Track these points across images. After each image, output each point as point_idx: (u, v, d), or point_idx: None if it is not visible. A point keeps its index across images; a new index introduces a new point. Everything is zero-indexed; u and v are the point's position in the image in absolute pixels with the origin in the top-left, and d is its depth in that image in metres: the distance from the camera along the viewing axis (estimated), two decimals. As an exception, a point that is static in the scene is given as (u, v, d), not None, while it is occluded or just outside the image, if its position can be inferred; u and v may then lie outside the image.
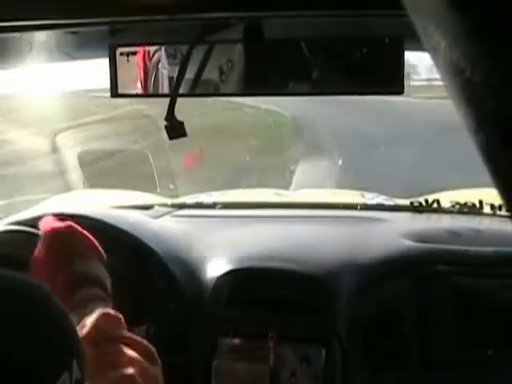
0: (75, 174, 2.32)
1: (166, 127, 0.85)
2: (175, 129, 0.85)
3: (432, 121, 7.60)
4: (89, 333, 0.72)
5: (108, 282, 0.87)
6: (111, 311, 0.77)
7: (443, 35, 0.23)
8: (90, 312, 0.75)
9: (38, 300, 0.58)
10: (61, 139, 2.98)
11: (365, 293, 1.14)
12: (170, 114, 0.84)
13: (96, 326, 0.72)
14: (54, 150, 2.93)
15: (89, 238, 0.92)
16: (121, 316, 0.76)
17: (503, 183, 0.24)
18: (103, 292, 0.84)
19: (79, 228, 0.92)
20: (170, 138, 0.86)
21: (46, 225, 0.92)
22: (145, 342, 0.74)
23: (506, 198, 0.25)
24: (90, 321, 0.73)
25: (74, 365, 0.57)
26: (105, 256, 0.91)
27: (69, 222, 0.93)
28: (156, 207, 1.53)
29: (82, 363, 0.59)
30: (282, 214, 1.51)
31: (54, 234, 0.90)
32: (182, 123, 0.85)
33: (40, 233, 0.92)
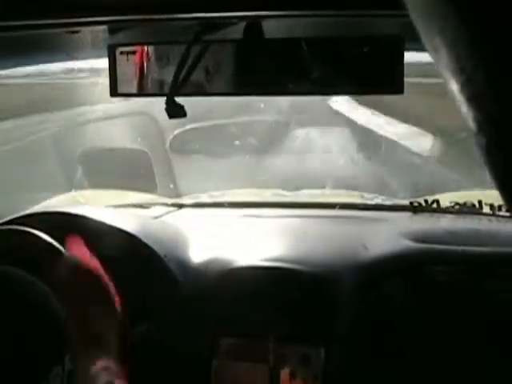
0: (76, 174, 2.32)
1: (167, 108, 0.84)
2: (175, 108, 0.85)
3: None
4: None
5: (112, 338, 0.86)
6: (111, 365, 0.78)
7: (444, 35, 0.23)
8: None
9: (32, 297, 0.58)
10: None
11: (365, 293, 1.14)
12: (171, 97, 0.84)
13: None
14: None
15: (107, 285, 0.90)
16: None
17: (504, 183, 0.24)
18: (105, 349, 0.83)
19: (102, 273, 0.90)
20: (170, 117, 0.85)
21: (75, 248, 0.90)
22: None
23: (506, 197, 0.25)
24: None
25: (67, 358, 0.58)
26: (117, 300, 0.89)
27: (93, 264, 0.90)
28: (156, 207, 1.53)
29: (74, 356, 0.59)
30: (283, 213, 1.51)
31: (76, 266, 0.88)
32: (183, 106, 0.85)
33: (65, 252, 0.91)
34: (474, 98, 0.23)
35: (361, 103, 4.59)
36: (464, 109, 0.24)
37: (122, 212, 1.46)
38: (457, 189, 1.79)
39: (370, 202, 1.58)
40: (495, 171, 0.24)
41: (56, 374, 0.56)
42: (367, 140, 3.67)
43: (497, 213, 1.35)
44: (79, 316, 0.79)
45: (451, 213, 1.41)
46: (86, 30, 0.82)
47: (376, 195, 1.70)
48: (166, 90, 0.86)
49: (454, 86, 0.24)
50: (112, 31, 0.84)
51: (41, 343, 0.57)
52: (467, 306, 1.12)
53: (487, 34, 0.22)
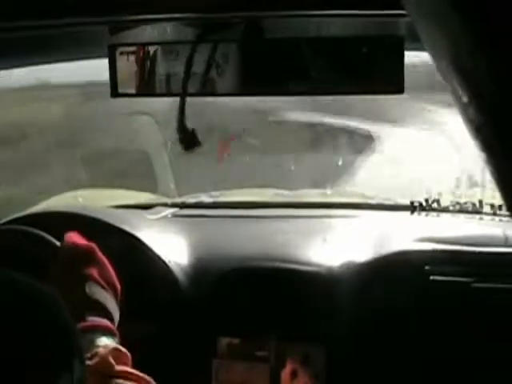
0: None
1: (180, 139, 0.83)
2: (189, 139, 0.83)
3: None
4: (97, 364, 0.74)
5: (116, 315, 0.87)
6: (121, 348, 0.79)
7: (444, 34, 0.23)
8: (99, 341, 0.78)
9: (39, 301, 0.58)
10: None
11: (365, 292, 1.14)
12: (182, 125, 0.82)
13: (105, 360, 0.75)
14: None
15: (107, 265, 0.92)
16: (128, 354, 0.79)
17: (504, 183, 0.24)
18: (111, 323, 0.84)
19: (100, 254, 0.92)
20: (186, 150, 0.83)
21: (69, 240, 0.92)
22: (146, 377, 0.77)
23: (506, 196, 0.25)
24: (100, 354, 0.76)
25: (76, 364, 0.57)
26: (119, 288, 0.91)
27: (91, 245, 0.92)
28: (156, 207, 1.53)
29: (83, 362, 0.59)
30: (283, 213, 1.51)
31: (74, 251, 0.91)
32: (194, 131, 0.83)
33: (59, 244, 0.92)
34: (473, 97, 0.23)
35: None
36: (464, 108, 0.24)
37: (122, 212, 1.46)
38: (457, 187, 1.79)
39: (370, 202, 1.58)
40: (496, 170, 0.24)
41: (65, 381, 0.56)
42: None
43: (497, 212, 1.35)
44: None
45: (452, 212, 1.41)
46: (87, 31, 0.82)
47: (376, 194, 1.70)
48: (166, 90, 0.86)
49: (454, 86, 0.24)
50: (112, 31, 0.84)
51: (47, 348, 0.57)
52: (467, 305, 1.12)
53: (488, 32, 0.22)
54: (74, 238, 0.94)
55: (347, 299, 1.13)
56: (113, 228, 1.22)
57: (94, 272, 0.89)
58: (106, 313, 0.85)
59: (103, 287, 0.88)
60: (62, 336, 0.58)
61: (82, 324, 0.81)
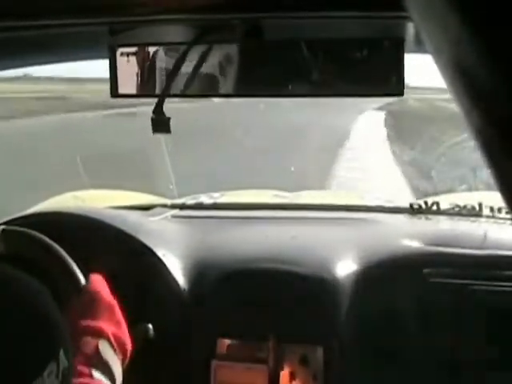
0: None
1: (152, 120, 0.84)
2: (161, 123, 0.85)
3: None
4: None
5: (119, 382, 0.86)
6: None
7: (446, 36, 0.23)
8: None
9: (24, 293, 0.58)
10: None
11: (364, 294, 1.14)
12: (159, 108, 0.84)
13: None
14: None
15: (124, 328, 0.92)
16: None
17: (505, 184, 0.24)
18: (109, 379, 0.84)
19: (119, 312, 0.92)
20: (154, 131, 0.86)
21: (94, 286, 0.93)
22: None
23: (507, 199, 0.25)
24: None
25: (61, 354, 0.57)
26: (129, 353, 0.90)
27: (113, 301, 0.92)
28: (156, 208, 1.53)
29: (69, 352, 0.59)
30: (283, 215, 1.51)
31: (96, 302, 0.90)
32: (169, 119, 0.85)
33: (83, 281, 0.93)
34: (476, 98, 0.23)
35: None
36: (466, 110, 0.24)
37: (122, 212, 1.46)
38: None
39: (370, 204, 1.58)
40: (497, 171, 0.24)
41: (51, 371, 0.56)
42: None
43: (497, 215, 1.35)
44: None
45: (451, 215, 1.41)
46: (87, 31, 0.82)
47: (376, 196, 1.70)
48: (167, 91, 0.86)
49: (457, 87, 0.24)
50: (112, 32, 0.84)
51: (35, 341, 0.57)
52: (467, 308, 1.12)
53: (490, 33, 0.22)
54: (99, 285, 0.93)
55: (346, 301, 1.13)
56: (112, 229, 1.22)
57: (110, 331, 0.88)
58: (111, 376, 0.84)
59: (115, 350, 0.87)
60: (47, 327, 0.58)
61: (87, 380, 0.80)
